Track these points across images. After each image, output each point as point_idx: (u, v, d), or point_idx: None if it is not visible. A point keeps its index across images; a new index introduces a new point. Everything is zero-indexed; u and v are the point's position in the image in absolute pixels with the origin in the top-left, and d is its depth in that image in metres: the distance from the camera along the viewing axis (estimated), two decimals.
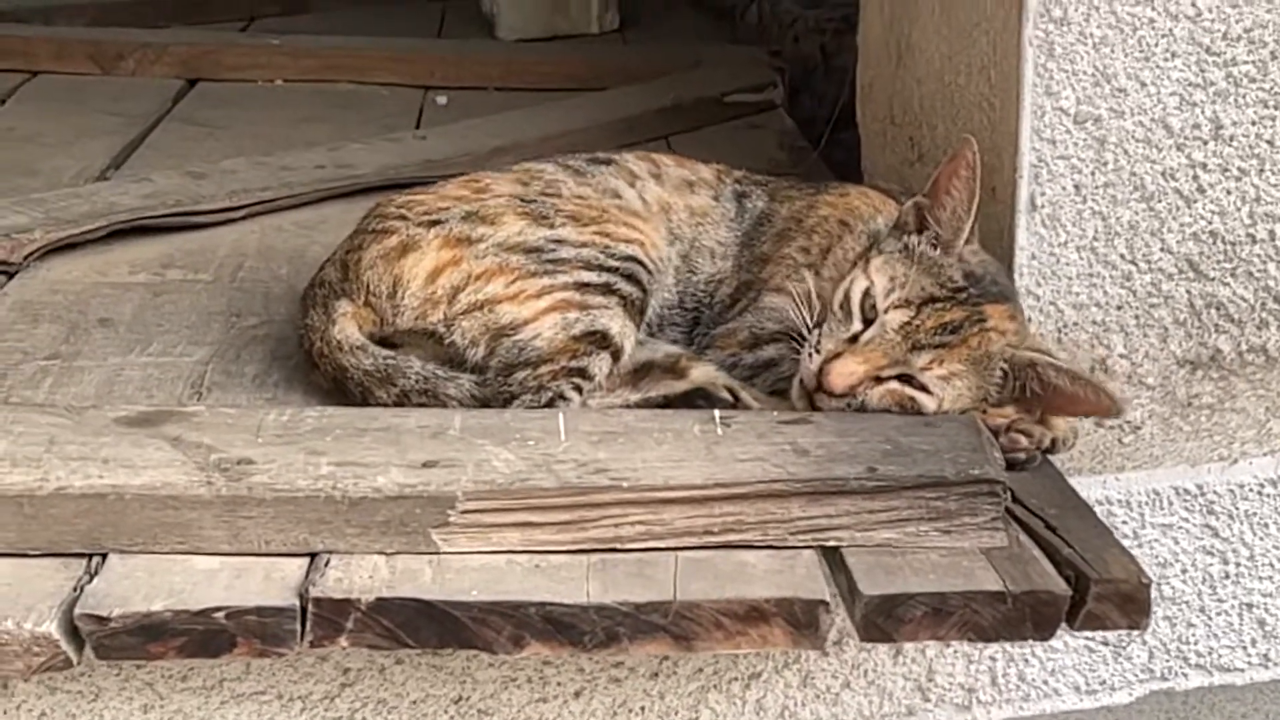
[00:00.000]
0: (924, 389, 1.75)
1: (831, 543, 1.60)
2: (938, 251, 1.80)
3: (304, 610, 1.47)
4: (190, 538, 1.54)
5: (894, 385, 1.75)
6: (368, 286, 1.87)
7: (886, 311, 1.76)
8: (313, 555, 1.55)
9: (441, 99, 3.54)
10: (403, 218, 1.92)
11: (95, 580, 1.50)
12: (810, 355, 1.78)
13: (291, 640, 1.47)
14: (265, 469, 1.57)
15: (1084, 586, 1.55)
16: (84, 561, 1.53)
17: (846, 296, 1.80)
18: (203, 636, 1.46)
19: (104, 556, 1.54)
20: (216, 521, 1.54)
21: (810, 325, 1.82)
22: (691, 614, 1.50)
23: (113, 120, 3.27)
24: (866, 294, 1.79)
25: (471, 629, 1.49)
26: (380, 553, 1.55)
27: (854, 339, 1.77)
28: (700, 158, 2.20)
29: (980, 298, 1.79)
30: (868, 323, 1.78)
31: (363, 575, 1.51)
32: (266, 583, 1.51)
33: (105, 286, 2.30)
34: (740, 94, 3.33)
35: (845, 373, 1.73)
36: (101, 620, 1.44)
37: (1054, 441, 1.80)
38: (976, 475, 1.60)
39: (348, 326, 1.86)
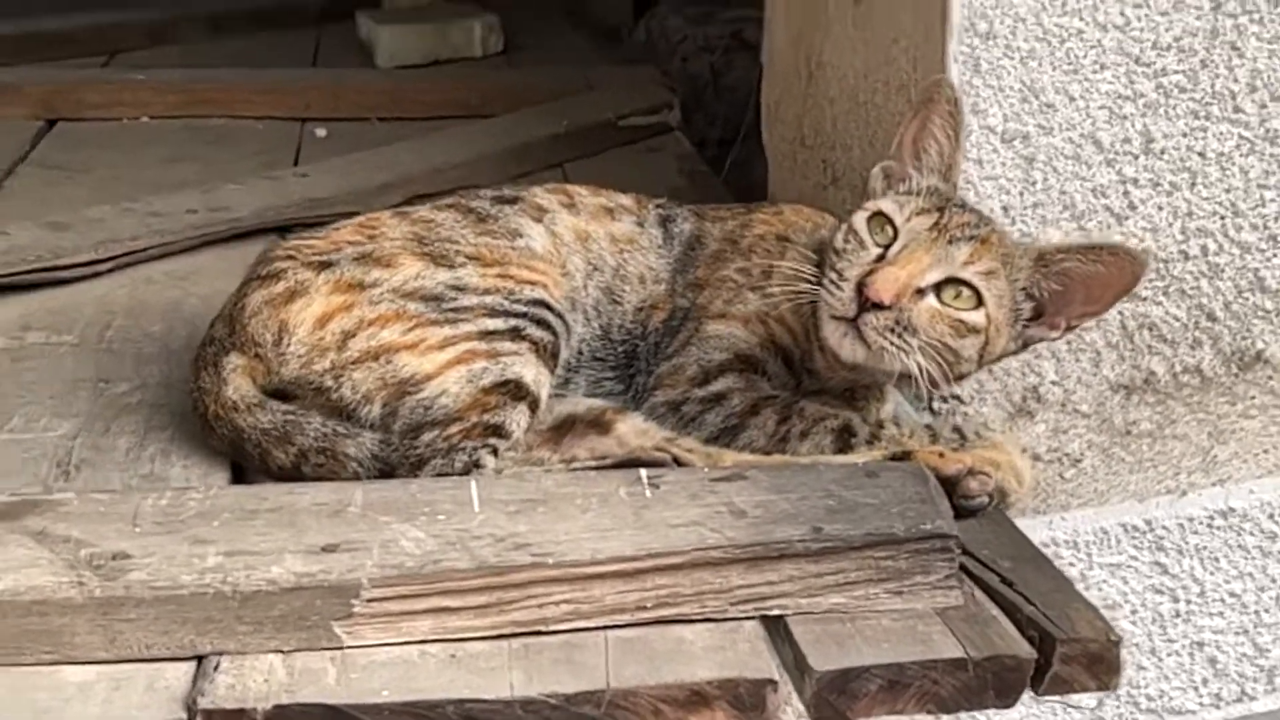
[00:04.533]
0: (971, 301, 1.67)
1: (775, 611, 1.48)
2: (936, 178, 1.76)
3: None
4: (61, 646, 1.39)
5: (935, 304, 1.67)
6: (253, 336, 1.74)
7: (909, 220, 1.71)
8: (200, 658, 1.40)
9: (321, 131, 3.38)
10: (291, 258, 1.80)
11: None
12: (834, 289, 1.70)
13: None
14: (144, 564, 1.41)
15: (1049, 648, 1.44)
16: None
17: (850, 231, 1.74)
18: None
19: None
20: (91, 626, 1.39)
21: (812, 280, 1.73)
22: (627, 702, 1.37)
23: None
24: (875, 217, 1.73)
25: None
26: (276, 651, 1.41)
27: (879, 258, 1.70)
28: (599, 185, 2.07)
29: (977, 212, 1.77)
30: (883, 249, 1.71)
31: (257, 679, 1.37)
32: (149, 694, 1.36)
33: None
34: (635, 117, 3.22)
35: (889, 279, 1.66)
36: None
37: (1000, 491, 1.68)
38: (928, 530, 1.49)
39: (242, 384, 1.73)
